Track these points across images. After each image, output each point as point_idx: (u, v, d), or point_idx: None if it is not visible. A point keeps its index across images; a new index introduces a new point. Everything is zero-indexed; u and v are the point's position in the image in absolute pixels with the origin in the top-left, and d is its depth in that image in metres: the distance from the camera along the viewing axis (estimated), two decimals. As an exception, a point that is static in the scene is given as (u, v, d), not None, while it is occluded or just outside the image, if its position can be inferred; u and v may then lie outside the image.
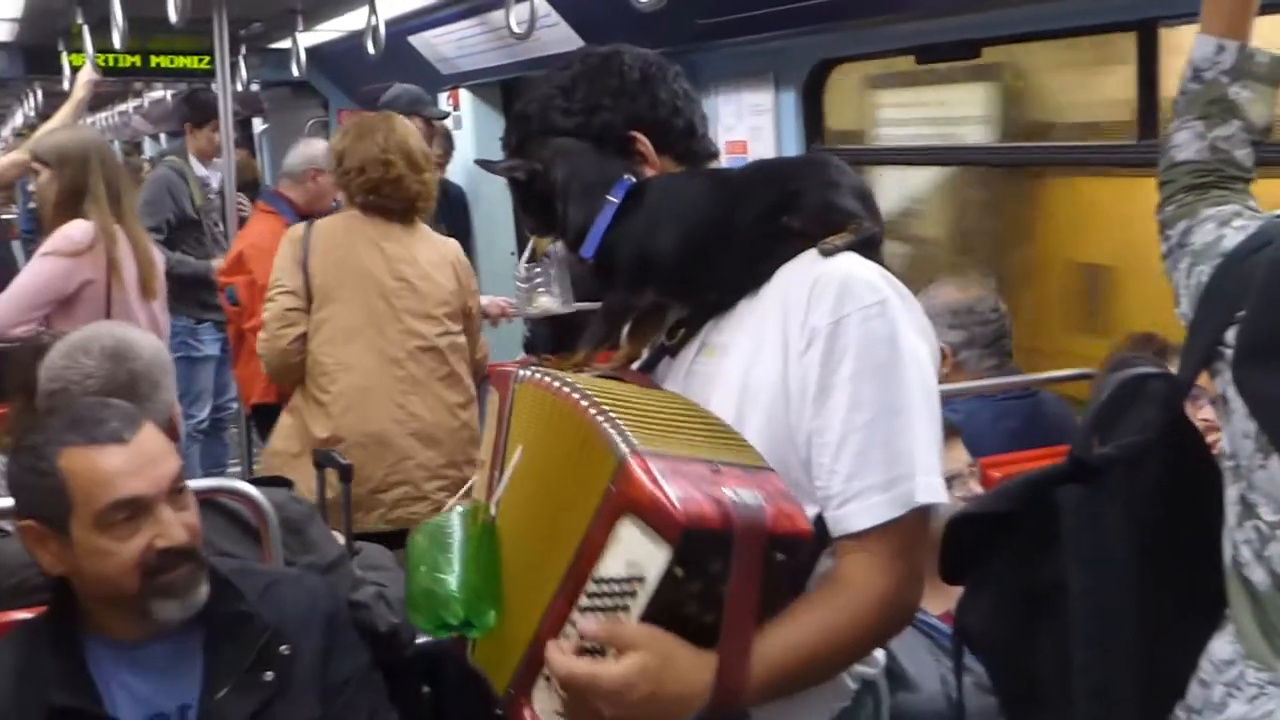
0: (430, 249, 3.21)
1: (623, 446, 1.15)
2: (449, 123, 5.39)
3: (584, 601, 1.16)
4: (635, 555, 1.13)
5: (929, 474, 1.23)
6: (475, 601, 1.26)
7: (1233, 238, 1.24)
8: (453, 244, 3.33)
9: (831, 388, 1.23)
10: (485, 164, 1.52)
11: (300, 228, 3.22)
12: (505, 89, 6.05)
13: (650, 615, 1.13)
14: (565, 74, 1.44)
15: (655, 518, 1.10)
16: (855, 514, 1.22)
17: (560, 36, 4.64)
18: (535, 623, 1.21)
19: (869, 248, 1.30)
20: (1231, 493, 1.17)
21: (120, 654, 1.61)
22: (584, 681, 1.13)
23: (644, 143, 1.41)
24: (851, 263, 1.27)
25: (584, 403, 1.21)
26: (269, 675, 1.61)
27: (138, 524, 1.55)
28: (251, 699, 1.59)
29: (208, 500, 1.89)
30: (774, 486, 1.18)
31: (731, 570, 1.12)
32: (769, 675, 1.16)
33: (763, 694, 1.17)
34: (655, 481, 1.11)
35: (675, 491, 1.10)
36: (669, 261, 1.33)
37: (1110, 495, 1.27)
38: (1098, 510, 1.27)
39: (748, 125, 4.19)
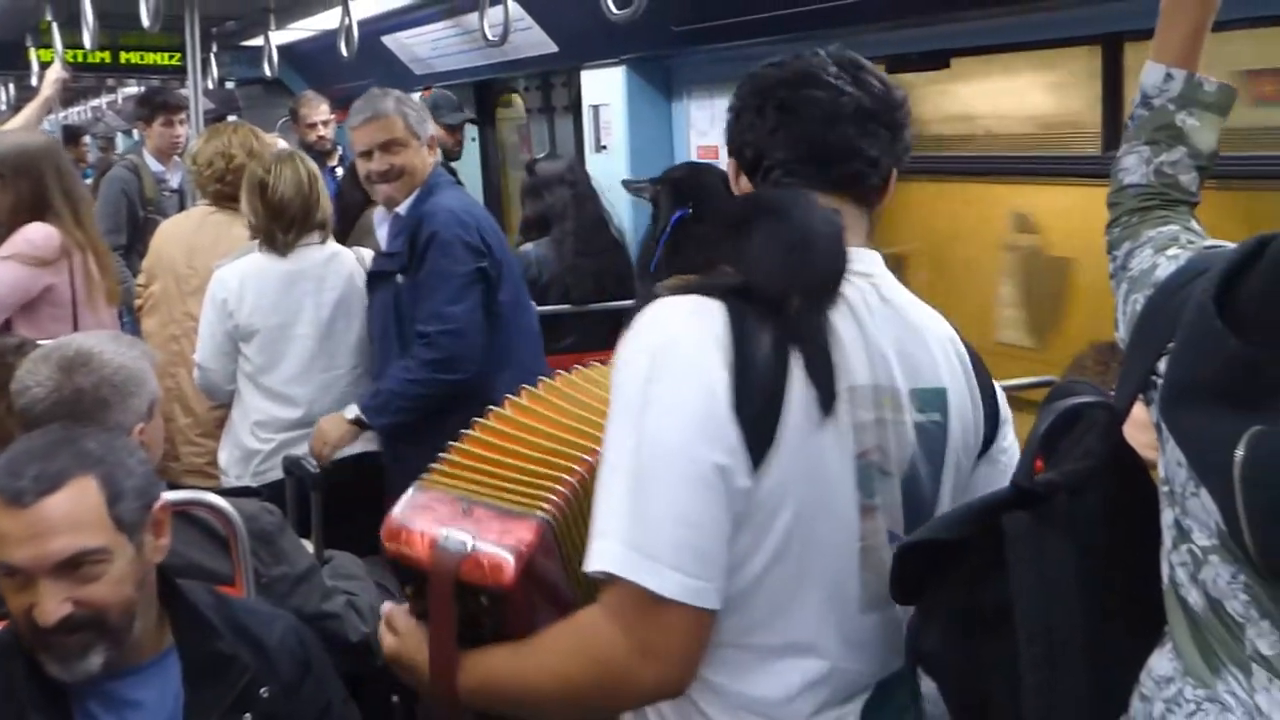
0: (239, 242, 3.43)
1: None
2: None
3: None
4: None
5: (637, 547, 1.23)
6: None
7: (1165, 267, 1.28)
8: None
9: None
10: None
11: None
12: (479, 90, 6.07)
13: (417, 612, 1.42)
14: None
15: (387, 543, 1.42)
16: (591, 554, 1.26)
17: (535, 40, 4.67)
18: None
19: (725, 292, 1.32)
20: (1167, 516, 1.20)
21: (93, 686, 1.59)
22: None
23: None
24: (666, 304, 1.32)
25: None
26: (248, 718, 1.61)
27: (20, 587, 1.52)
28: None
29: (180, 512, 1.91)
30: (504, 533, 1.34)
31: (429, 598, 1.37)
32: (477, 686, 1.35)
33: (476, 700, 1.36)
34: (398, 513, 1.41)
35: (404, 522, 1.40)
36: None
37: (1055, 521, 1.30)
38: (1043, 536, 1.30)
39: (720, 131, 4.22)
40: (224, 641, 1.64)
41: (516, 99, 5.83)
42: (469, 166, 6.13)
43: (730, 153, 1.49)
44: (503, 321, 3.09)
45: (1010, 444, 1.52)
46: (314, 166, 3.45)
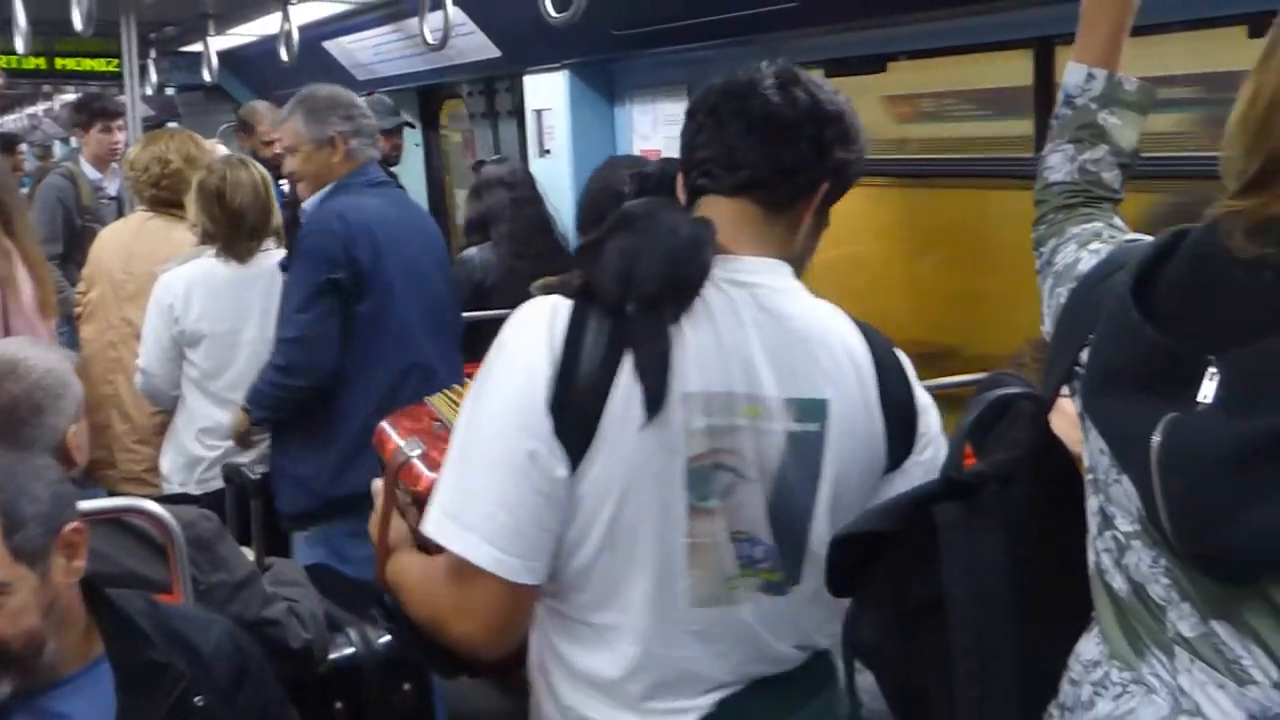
0: (178, 248, 3.42)
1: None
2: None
3: None
4: None
5: (454, 517, 1.38)
6: None
7: (1088, 261, 1.31)
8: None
9: None
10: None
11: None
12: (422, 95, 6.04)
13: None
14: None
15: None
16: (424, 517, 1.42)
17: (478, 45, 4.65)
18: None
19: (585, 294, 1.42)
20: (1092, 504, 1.22)
21: (17, 701, 1.56)
22: None
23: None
24: (532, 302, 1.44)
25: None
26: None
27: None
28: None
29: (116, 519, 1.88)
30: (442, 454, 1.49)
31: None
32: (392, 576, 1.56)
33: (392, 586, 1.56)
34: (391, 419, 1.91)
35: (389, 425, 1.88)
36: None
37: (984, 511, 1.33)
38: (973, 526, 1.32)
39: (663, 135, 4.25)
40: (157, 650, 1.62)
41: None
42: (414, 171, 6.11)
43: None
44: (359, 333, 3.05)
45: (929, 458, 1.54)
46: (265, 172, 3.45)
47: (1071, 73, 1.43)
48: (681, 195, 1.54)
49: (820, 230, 1.55)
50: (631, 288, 1.38)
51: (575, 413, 1.37)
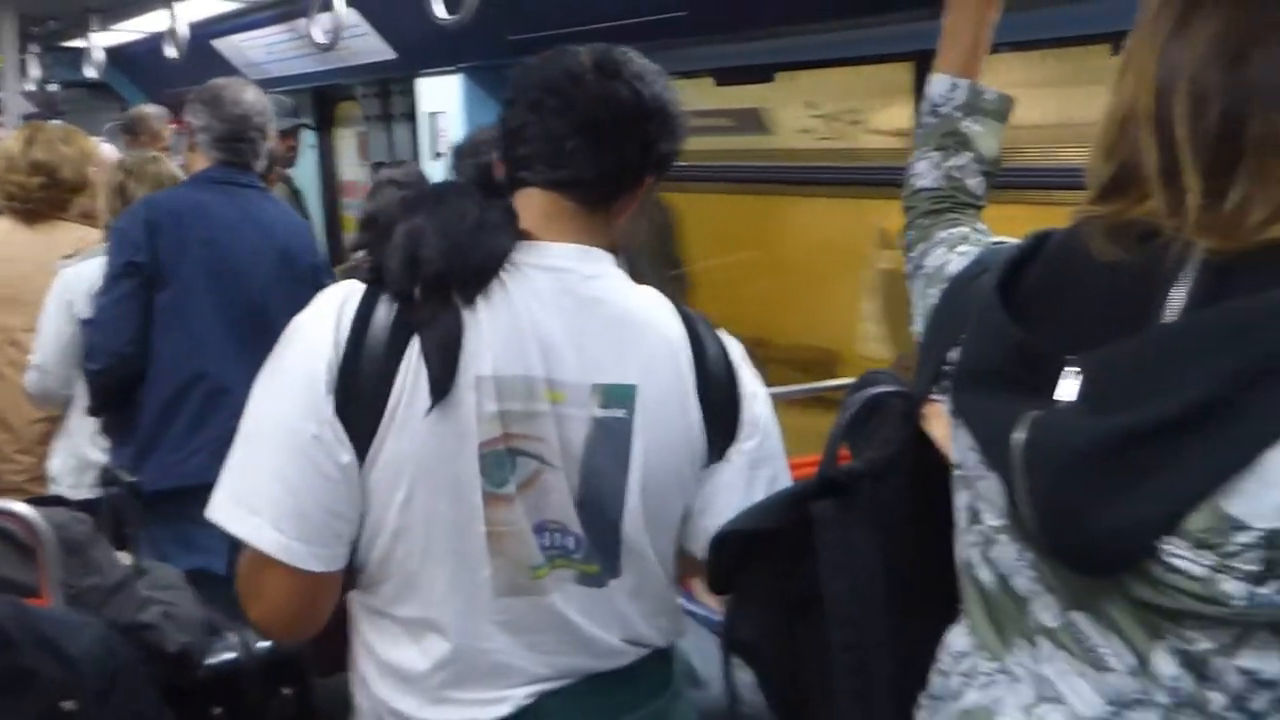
0: (52, 249, 3.33)
1: None
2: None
3: None
4: None
5: (239, 501, 1.37)
6: None
7: (957, 263, 1.34)
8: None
9: None
10: None
11: None
12: (317, 96, 5.96)
13: None
14: None
15: None
16: (209, 502, 1.39)
17: (373, 47, 4.61)
18: None
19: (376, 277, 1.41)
20: (961, 499, 1.25)
21: None
22: None
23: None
24: (332, 287, 1.43)
25: None
26: None
27: None
28: None
29: (-16, 524, 1.82)
30: None
31: None
32: None
33: None
34: None
35: None
36: None
37: (859, 507, 1.36)
38: (848, 522, 1.36)
39: (558, 140, 4.24)
40: (24, 655, 1.58)
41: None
42: (311, 173, 6.02)
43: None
44: (155, 325, 3.00)
45: (754, 446, 1.53)
46: (175, 169, 3.38)
47: (936, 83, 1.48)
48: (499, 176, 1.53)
49: (643, 215, 1.54)
50: (417, 270, 1.37)
51: (360, 397, 1.35)
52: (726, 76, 3.39)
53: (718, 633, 1.97)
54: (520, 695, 1.46)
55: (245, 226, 3.12)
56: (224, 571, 2.05)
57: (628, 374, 1.43)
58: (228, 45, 5.61)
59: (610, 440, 1.43)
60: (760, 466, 1.54)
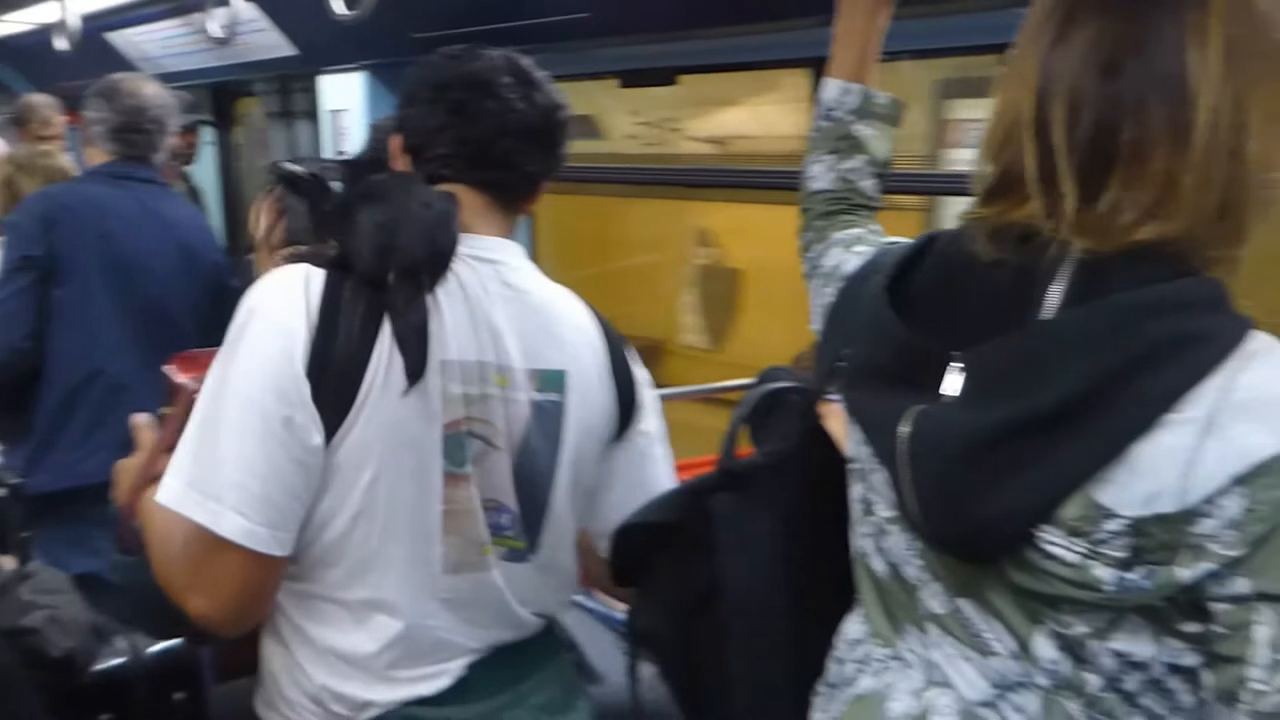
0: None
1: None
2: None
3: None
4: None
5: (197, 486, 1.36)
6: None
7: (853, 262, 1.38)
8: None
9: None
10: None
11: None
12: (216, 92, 5.84)
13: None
14: None
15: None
16: (159, 487, 1.38)
17: (273, 43, 4.53)
18: None
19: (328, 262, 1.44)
20: (855, 491, 1.28)
21: None
22: None
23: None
24: (279, 270, 1.44)
25: None
26: None
27: None
28: None
29: None
30: None
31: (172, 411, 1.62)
32: (143, 510, 1.51)
33: (139, 516, 1.53)
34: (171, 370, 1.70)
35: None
36: None
37: (757, 501, 1.39)
38: (747, 515, 1.38)
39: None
40: None
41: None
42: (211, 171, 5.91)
43: (396, 129, 1.59)
44: (51, 319, 2.95)
45: (649, 427, 1.67)
46: (67, 163, 3.29)
47: (828, 88, 1.51)
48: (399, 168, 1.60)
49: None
50: (391, 258, 1.40)
51: (334, 380, 1.37)
52: (630, 79, 3.40)
53: (618, 631, 1.99)
54: (456, 668, 1.53)
55: (144, 221, 3.06)
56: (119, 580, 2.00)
57: (558, 360, 1.54)
58: (122, 39, 5.47)
59: (545, 422, 1.52)
60: (655, 445, 1.68)
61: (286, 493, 1.37)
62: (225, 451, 1.34)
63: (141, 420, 1.67)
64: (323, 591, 1.47)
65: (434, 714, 1.51)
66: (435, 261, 1.44)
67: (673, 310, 5.16)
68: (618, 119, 4.33)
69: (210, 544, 1.36)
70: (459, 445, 1.46)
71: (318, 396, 1.36)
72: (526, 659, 1.60)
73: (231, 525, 1.34)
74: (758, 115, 4.24)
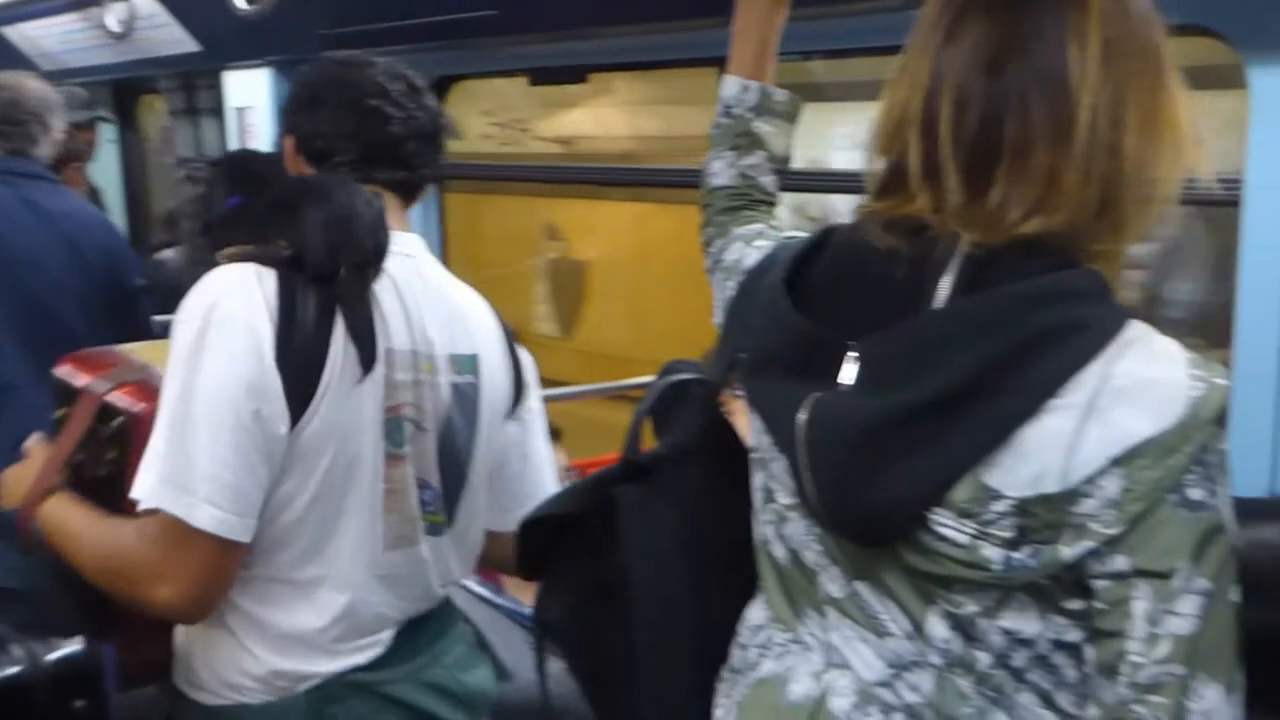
0: None
1: None
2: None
3: None
4: None
5: (173, 482, 1.41)
6: None
7: (753, 256, 1.40)
8: None
9: None
10: None
11: None
12: (117, 89, 5.72)
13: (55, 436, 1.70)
14: None
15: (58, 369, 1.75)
16: (135, 484, 1.44)
17: (175, 38, 4.46)
18: None
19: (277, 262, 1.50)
20: (757, 480, 1.30)
21: None
22: None
23: None
24: (223, 270, 1.49)
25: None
26: None
27: None
28: None
29: None
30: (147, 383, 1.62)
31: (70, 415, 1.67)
32: (50, 518, 1.59)
33: (42, 526, 1.59)
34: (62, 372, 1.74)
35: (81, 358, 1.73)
36: None
37: (660, 491, 1.40)
38: (650, 505, 1.40)
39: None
40: None
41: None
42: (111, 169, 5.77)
43: (290, 132, 1.70)
44: None
45: (536, 406, 1.82)
46: None
47: (728, 85, 1.52)
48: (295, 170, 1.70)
49: None
50: (343, 254, 1.50)
51: (297, 372, 1.45)
52: (540, 77, 3.41)
53: (526, 626, 1.99)
54: (385, 638, 1.64)
55: (26, 216, 2.98)
56: (15, 585, 1.95)
57: (470, 345, 1.67)
58: (17, 33, 5.32)
59: (463, 404, 1.65)
60: (538, 419, 1.82)
61: (255, 482, 1.44)
62: (197, 447, 1.41)
63: (35, 439, 1.73)
64: (273, 573, 1.53)
65: (369, 678, 1.61)
66: (379, 256, 1.54)
67: (528, 301, 5.38)
68: (472, 121, 4.57)
69: (182, 534, 1.41)
70: (398, 427, 1.57)
71: (286, 388, 1.44)
72: (436, 624, 1.72)
73: (206, 516, 1.41)
74: (597, 117, 4.48)
